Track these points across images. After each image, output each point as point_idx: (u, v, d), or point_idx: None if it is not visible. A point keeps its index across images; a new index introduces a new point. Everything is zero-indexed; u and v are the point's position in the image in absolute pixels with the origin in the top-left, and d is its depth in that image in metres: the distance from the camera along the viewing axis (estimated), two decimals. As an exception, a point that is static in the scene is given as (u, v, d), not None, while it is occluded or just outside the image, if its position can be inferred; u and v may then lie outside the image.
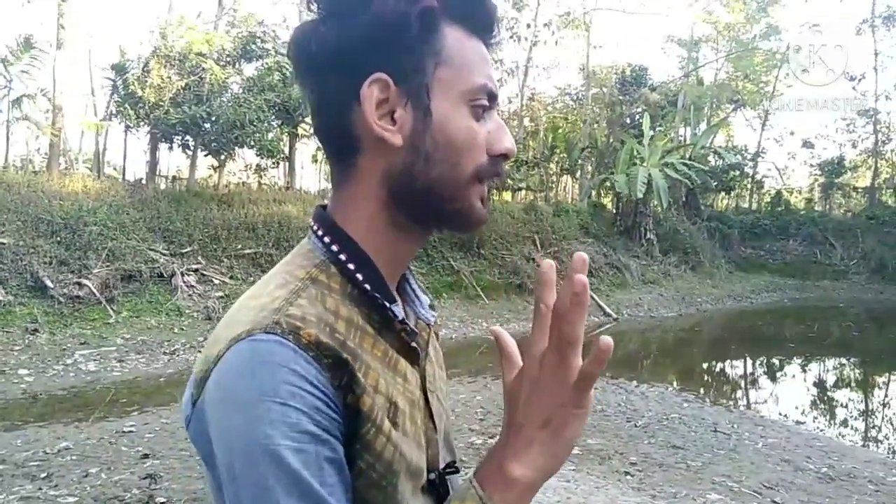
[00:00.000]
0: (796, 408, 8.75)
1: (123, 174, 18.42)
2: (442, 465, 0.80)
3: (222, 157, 15.40)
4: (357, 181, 0.73)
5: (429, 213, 0.74)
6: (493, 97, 0.73)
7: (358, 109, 0.69)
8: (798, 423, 7.89)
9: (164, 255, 11.65)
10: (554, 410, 0.66)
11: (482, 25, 0.74)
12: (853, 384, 11.26)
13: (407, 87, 0.69)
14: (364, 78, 0.68)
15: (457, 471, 0.82)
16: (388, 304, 0.71)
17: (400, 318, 0.72)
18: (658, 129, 22.64)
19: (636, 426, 6.63)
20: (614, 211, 22.75)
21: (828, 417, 8.74)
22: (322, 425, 0.60)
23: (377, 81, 0.68)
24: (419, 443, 0.74)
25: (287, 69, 14.66)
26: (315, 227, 0.75)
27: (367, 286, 0.71)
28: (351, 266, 0.71)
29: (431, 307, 0.87)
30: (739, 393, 10.15)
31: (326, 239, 0.73)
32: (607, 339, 0.61)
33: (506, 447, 0.68)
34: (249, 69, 16.15)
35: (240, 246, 12.70)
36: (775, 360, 12.70)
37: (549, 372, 0.65)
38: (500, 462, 0.67)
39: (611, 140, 22.39)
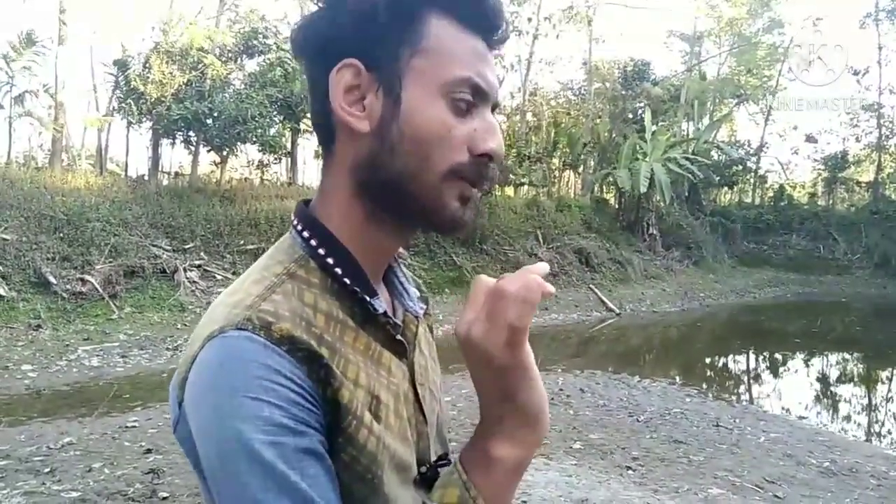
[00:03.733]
0: (799, 403, 8.75)
1: (126, 170, 18.43)
2: (434, 458, 0.79)
3: (224, 152, 15.39)
4: (332, 169, 0.73)
5: (396, 206, 0.71)
6: (480, 93, 0.70)
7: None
8: (801, 417, 7.89)
9: (167, 251, 11.66)
10: (496, 379, 0.66)
11: (478, 21, 0.72)
12: (856, 379, 11.25)
13: (379, 74, 0.69)
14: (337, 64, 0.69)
15: (449, 462, 0.81)
16: (367, 298, 0.71)
17: (381, 311, 0.72)
18: (661, 123, 22.58)
19: (638, 421, 6.63)
20: (617, 206, 22.74)
21: (830, 412, 8.74)
22: (298, 417, 0.60)
23: (348, 67, 0.68)
24: (404, 436, 0.73)
25: (289, 65, 14.66)
26: (295, 222, 0.75)
27: (347, 280, 0.70)
28: (330, 260, 0.71)
29: (424, 300, 0.86)
30: (742, 388, 10.15)
31: (305, 234, 0.73)
32: (535, 278, 0.63)
33: (483, 427, 0.67)
34: (251, 65, 16.15)
35: (242, 242, 12.72)
36: (778, 356, 12.69)
37: (481, 340, 0.64)
38: (481, 443, 0.66)
39: (613, 135, 22.34)
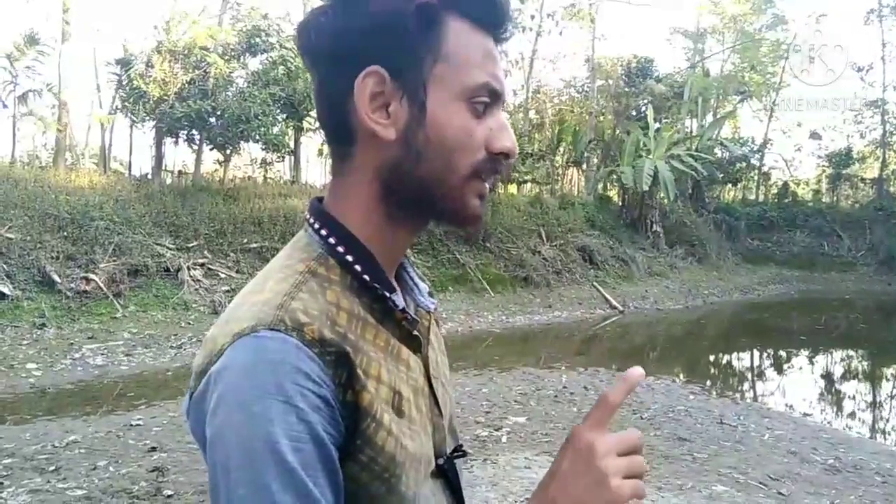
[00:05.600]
0: (803, 400, 8.74)
1: (129, 169, 18.46)
2: (449, 451, 0.81)
3: (228, 151, 15.41)
4: (352, 172, 0.74)
5: (421, 207, 0.74)
6: (496, 95, 0.72)
7: (353, 101, 0.69)
8: (805, 414, 7.88)
9: (171, 249, 11.68)
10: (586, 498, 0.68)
11: (492, 20, 0.73)
12: (861, 376, 11.22)
13: (403, 81, 0.69)
14: (360, 70, 0.68)
15: (464, 454, 0.84)
16: (388, 294, 0.72)
17: (400, 307, 0.73)
18: (664, 120, 22.52)
19: (642, 418, 6.62)
20: (620, 203, 22.70)
21: (835, 409, 8.73)
22: (321, 425, 0.60)
23: (372, 74, 0.68)
24: (425, 430, 0.74)
25: (291, 63, 14.65)
26: (311, 220, 0.75)
27: (367, 277, 0.71)
28: (349, 258, 0.71)
29: (431, 294, 0.87)
30: (746, 385, 10.14)
31: (323, 231, 0.73)
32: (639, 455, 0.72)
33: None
34: (254, 63, 16.13)
35: (246, 240, 12.73)
36: (782, 353, 12.67)
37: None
38: None
39: (617, 132, 22.31)
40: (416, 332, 0.76)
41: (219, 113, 13.56)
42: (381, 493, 0.67)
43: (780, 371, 11.50)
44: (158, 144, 15.95)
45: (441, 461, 0.77)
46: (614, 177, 21.95)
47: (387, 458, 0.67)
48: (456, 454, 0.82)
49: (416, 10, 0.68)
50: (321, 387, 0.61)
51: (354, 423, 0.64)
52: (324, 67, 0.73)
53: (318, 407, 0.60)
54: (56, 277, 9.82)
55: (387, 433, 0.67)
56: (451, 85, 0.69)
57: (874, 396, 9.71)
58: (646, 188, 18.93)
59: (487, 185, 0.74)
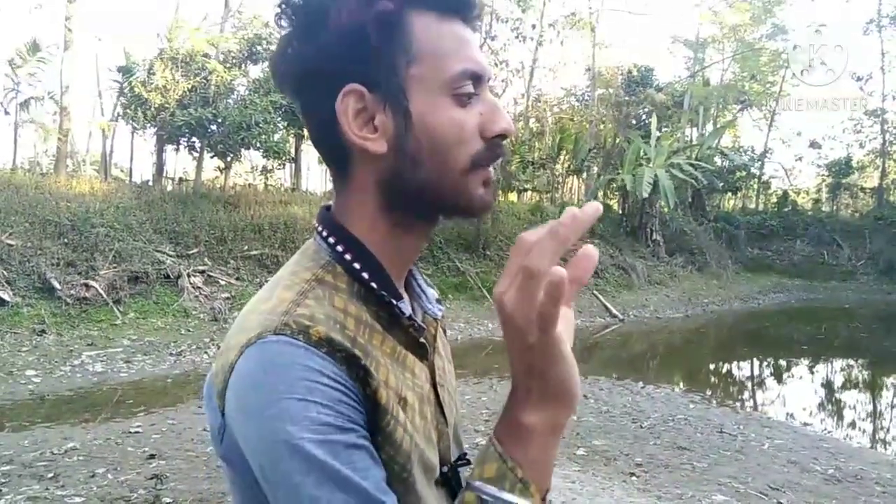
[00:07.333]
0: (803, 409, 8.71)
1: (130, 176, 18.52)
2: (453, 458, 0.81)
3: (228, 158, 15.43)
4: (354, 189, 0.73)
5: (428, 209, 0.73)
6: (478, 78, 0.70)
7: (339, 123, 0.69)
8: (805, 424, 7.85)
9: (171, 256, 11.69)
10: (527, 354, 0.60)
11: (457, 5, 0.71)
12: (861, 386, 11.19)
13: (382, 92, 0.68)
14: (338, 91, 0.68)
15: (468, 462, 0.83)
16: (394, 302, 0.72)
17: (407, 314, 0.73)
18: (664, 129, 22.56)
19: (642, 427, 6.60)
20: (620, 212, 22.72)
21: (835, 419, 8.70)
22: (345, 415, 0.61)
23: (350, 93, 0.68)
24: (429, 437, 0.74)
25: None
26: (319, 229, 0.76)
27: (374, 284, 0.71)
28: (356, 265, 0.71)
29: (438, 301, 0.87)
30: (746, 394, 10.11)
31: (331, 239, 0.73)
32: (590, 250, 0.61)
33: (512, 399, 0.65)
34: (255, 71, 16.22)
35: (246, 247, 12.74)
36: (782, 362, 12.65)
37: (512, 314, 0.58)
38: (512, 413, 0.64)
39: (617, 141, 22.36)
40: (422, 340, 0.76)
41: (220, 120, 13.60)
42: (400, 493, 0.67)
43: (780, 380, 11.47)
44: (159, 151, 15.99)
45: (445, 469, 0.77)
46: (614, 185, 21.98)
47: (404, 457, 0.67)
48: (460, 463, 0.82)
49: (375, 17, 0.67)
50: (337, 381, 0.61)
51: (374, 420, 0.65)
52: (303, 96, 0.72)
53: (337, 399, 0.60)
54: (56, 284, 9.82)
55: (403, 430, 0.68)
56: (430, 82, 0.68)
57: (874, 406, 9.68)
58: (646, 196, 18.96)
59: (491, 170, 0.73)
